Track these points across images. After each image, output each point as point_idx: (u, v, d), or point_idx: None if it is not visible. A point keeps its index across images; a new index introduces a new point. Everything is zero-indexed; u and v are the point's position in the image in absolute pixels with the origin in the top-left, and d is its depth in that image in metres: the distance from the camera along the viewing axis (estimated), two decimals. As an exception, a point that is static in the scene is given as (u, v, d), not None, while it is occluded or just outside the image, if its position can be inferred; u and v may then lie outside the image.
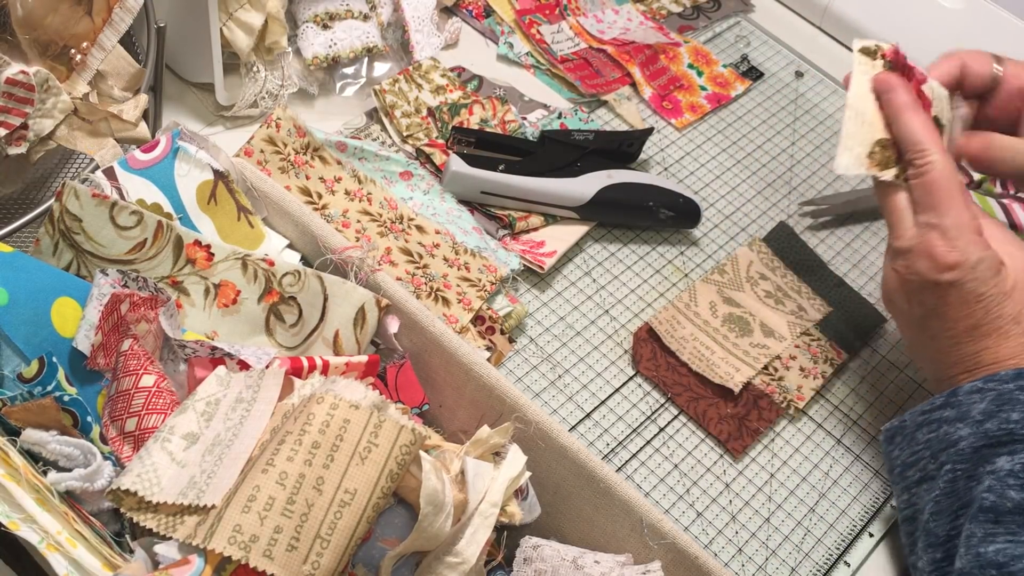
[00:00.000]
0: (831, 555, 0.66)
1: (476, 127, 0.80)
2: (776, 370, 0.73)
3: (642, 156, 0.84)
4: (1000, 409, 0.56)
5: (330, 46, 0.80)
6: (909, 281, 0.61)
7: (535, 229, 0.76)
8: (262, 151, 0.68)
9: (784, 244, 0.82)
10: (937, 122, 0.63)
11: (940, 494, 0.57)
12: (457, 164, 0.74)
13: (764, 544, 0.66)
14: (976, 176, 0.90)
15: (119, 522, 0.47)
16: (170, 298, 0.53)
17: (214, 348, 0.52)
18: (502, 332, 0.70)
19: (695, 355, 0.72)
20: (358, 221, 0.70)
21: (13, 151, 0.60)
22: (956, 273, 0.58)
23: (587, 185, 0.76)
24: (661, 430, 0.69)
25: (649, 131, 0.84)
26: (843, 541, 0.67)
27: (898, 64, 0.64)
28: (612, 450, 0.68)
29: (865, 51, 0.64)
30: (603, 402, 0.70)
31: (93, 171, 0.58)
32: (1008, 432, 0.55)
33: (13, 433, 0.46)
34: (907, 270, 0.60)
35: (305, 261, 0.62)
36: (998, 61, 0.66)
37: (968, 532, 0.54)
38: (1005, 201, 0.90)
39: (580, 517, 0.56)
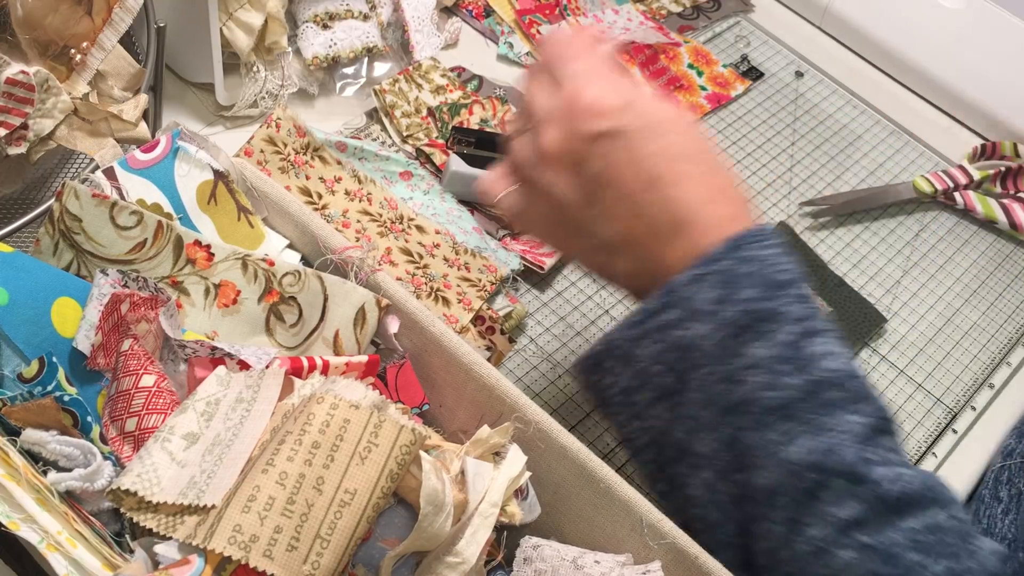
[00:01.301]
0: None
1: (476, 127, 0.80)
2: (776, 370, 0.73)
3: (642, 156, 0.84)
4: (730, 291, 0.47)
5: (330, 46, 0.80)
6: (563, 158, 0.49)
7: (535, 229, 0.76)
8: (262, 151, 0.68)
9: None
10: None
11: (694, 408, 0.48)
12: (457, 164, 0.74)
13: (764, 544, 0.65)
14: (976, 176, 0.90)
15: (119, 522, 0.47)
16: (170, 298, 0.53)
17: (214, 348, 0.52)
18: (502, 332, 0.70)
19: (695, 355, 0.72)
20: (358, 221, 0.70)
21: (13, 151, 0.60)
22: (611, 120, 0.47)
23: (587, 185, 0.76)
24: (661, 430, 0.69)
25: (649, 131, 0.84)
26: (843, 541, 0.66)
27: None
28: (612, 450, 0.68)
29: None
30: (603, 402, 0.70)
31: (93, 171, 0.58)
32: (749, 314, 0.46)
33: (13, 433, 0.46)
34: (556, 144, 0.49)
35: (305, 261, 0.62)
36: None
37: (759, 442, 0.46)
38: (1005, 201, 0.90)
39: (580, 517, 0.56)
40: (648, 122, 0.48)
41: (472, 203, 0.76)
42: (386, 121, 0.80)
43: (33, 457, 0.46)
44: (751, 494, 0.47)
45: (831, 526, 0.44)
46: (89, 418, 0.47)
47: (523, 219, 0.54)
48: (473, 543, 0.48)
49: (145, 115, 0.65)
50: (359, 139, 0.75)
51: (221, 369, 0.51)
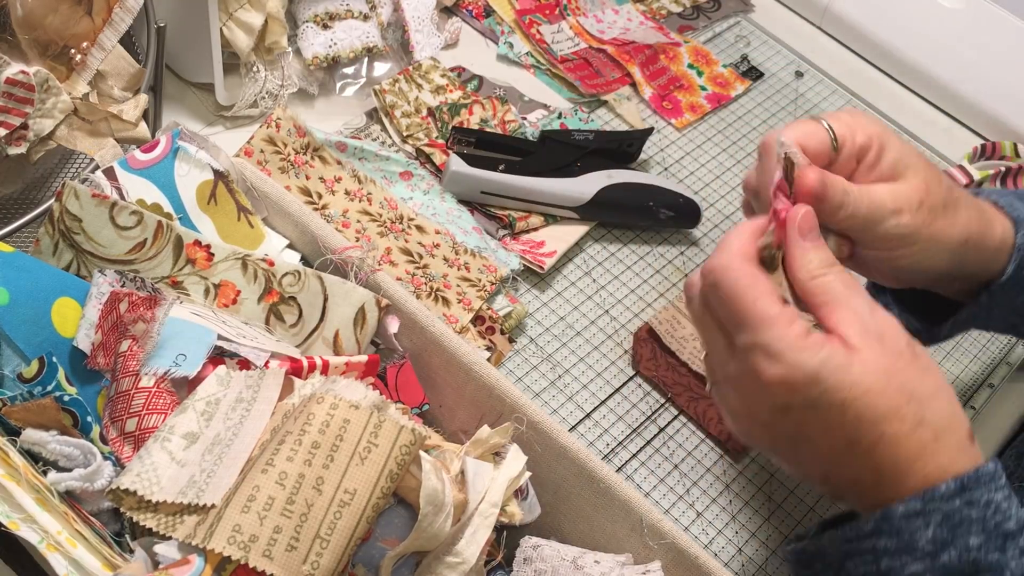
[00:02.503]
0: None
1: (476, 127, 0.80)
2: (776, 370, 0.73)
3: (642, 156, 0.84)
4: (955, 536, 0.44)
5: (330, 46, 0.80)
6: (751, 414, 0.48)
7: (535, 229, 0.76)
8: (262, 151, 0.68)
9: (784, 244, 0.82)
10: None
11: None
12: (457, 164, 0.74)
13: (764, 544, 0.65)
14: (976, 176, 0.90)
15: (119, 522, 0.47)
16: (175, 297, 0.53)
17: (215, 346, 0.52)
18: (502, 332, 0.70)
19: (695, 355, 0.72)
20: (358, 221, 0.70)
21: (13, 151, 0.60)
22: (798, 396, 0.45)
23: (587, 185, 0.76)
24: (661, 430, 0.69)
25: (649, 131, 0.84)
26: (843, 541, 0.66)
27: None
28: (612, 450, 0.68)
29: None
30: (603, 402, 0.70)
31: (93, 171, 0.58)
32: (972, 563, 0.44)
33: (13, 433, 0.46)
34: (743, 413, 0.48)
35: (305, 261, 0.62)
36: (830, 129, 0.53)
37: None
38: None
39: (580, 517, 0.56)
40: (839, 394, 0.45)
41: (472, 203, 0.76)
42: (386, 121, 0.80)
43: (33, 457, 0.46)
44: None
45: None
46: (89, 418, 0.47)
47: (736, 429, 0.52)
48: (473, 543, 0.48)
49: (145, 115, 0.65)
50: (359, 139, 0.75)
51: (221, 369, 0.51)
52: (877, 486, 0.46)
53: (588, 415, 0.69)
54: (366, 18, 0.83)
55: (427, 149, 0.77)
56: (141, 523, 0.45)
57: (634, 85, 0.91)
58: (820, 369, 0.44)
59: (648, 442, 0.69)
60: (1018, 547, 0.44)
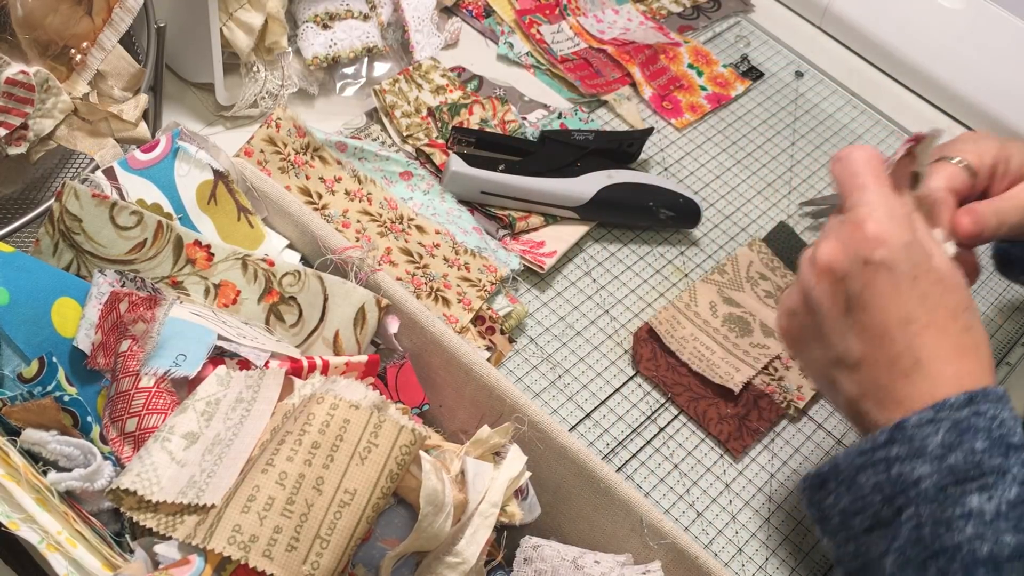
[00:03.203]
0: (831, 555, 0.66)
1: (476, 127, 0.80)
2: (776, 370, 0.73)
3: (642, 156, 0.84)
4: (962, 439, 0.48)
5: (330, 46, 0.80)
6: (835, 271, 0.53)
7: (535, 229, 0.76)
8: (262, 151, 0.68)
9: (784, 244, 0.82)
10: (918, 177, 0.58)
11: (904, 543, 0.49)
12: (457, 164, 0.74)
13: (764, 544, 0.66)
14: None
15: (119, 522, 0.47)
16: (175, 298, 0.53)
17: (215, 346, 0.52)
18: (502, 332, 0.70)
19: (695, 355, 0.72)
20: (358, 221, 0.70)
21: (13, 151, 0.60)
22: (886, 251, 0.51)
23: (587, 185, 0.76)
24: (661, 430, 0.69)
25: (649, 131, 0.84)
26: (843, 541, 0.67)
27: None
28: (612, 450, 0.68)
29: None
30: (603, 402, 0.70)
31: (93, 171, 0.58)
32: (976, 464, 0.48)
33: (13, 433, 0.46)
34: (832, 257, 0.53)
35: (305, 261, 0.62)
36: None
37: None
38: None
39: (580, 517, 0.56)
40: (920, 267, 0.51)
41: (472, 203, 0.76)
42: (386, 121, 0.80)
43: (33, 457, 0.46)
44: None
45: None
46: (89, 418, 0.47)
47: (780, 313, 0.58)
48: (473, 543, 0.48)
49: (145, 115, 0.65)
50: (359, 139, 0.75)
51: (221, 369, 0.51)
52: (907, 376, 0.51)
53: (588, 415, 0.69)
54: (366, 18, 0.83)
55: (427, 149, 0.77)
56: (141, 523, 0.45)
57: (634, 85, 0.91)
58: (911, 242, 0.52)
59: (648, 442, 0.69)
60: (1021, 458, 0.48)
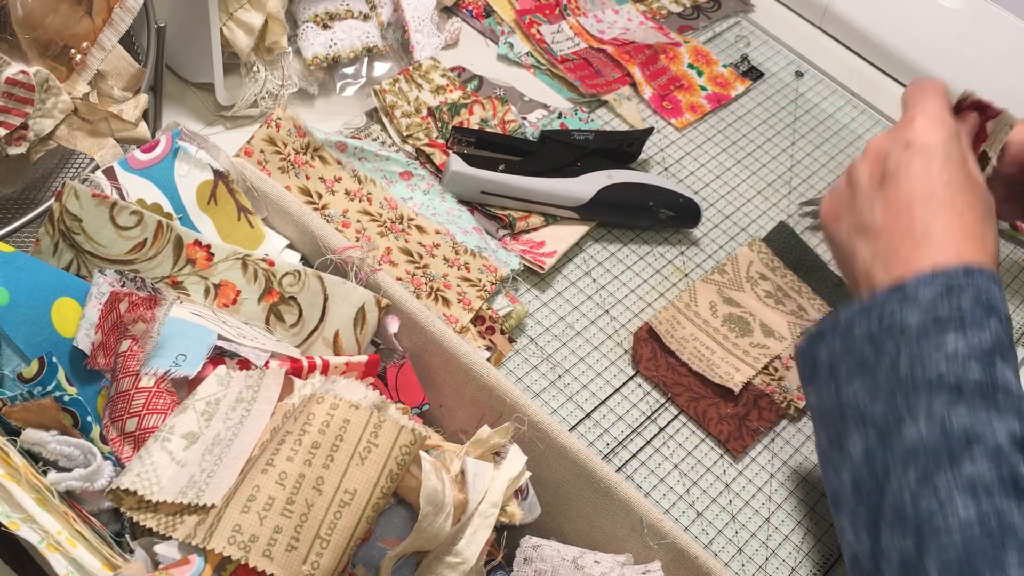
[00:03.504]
0: (831, 555, 0.66)
1: (476, 127, 0.80)
2: (776, 370, 0.73)
3: (642, 156, 0.84)
4: (950, 297, 0.53)
5: (330, 46, 0.80)
6: (879, 151, 0.61)
7: (535, 229, 0.76)
8: (262, 151, 0.68)
9: (784, 244, 0.82)
10: (985, 156, 0.65)
11: (879, 378, 0.54)
12: (457, 164, 0.74)
13: (764, 544, 0.66)
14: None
15: (119, 522, 0.47)
16: (175, 298, 0.53)
17: (215, 346, 0.52)
18: (502, 332, 0.70)
19: (695, 355, 0.72)
20: (358, 221, 0.70)
21: (13, 151, 0.60)
22: (927, 140, 0.58)
23: (587, 185, 0.76)
24: (661, 430, 0.69)
25: (649, 131, 0.84)
26: (843, 541, 0.67)
27: (972, 103, 0.67)
28: (612, 450, 0.68)
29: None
30: (603, 402, 0.70)
31: (93, 171, 0.58)
32: (959, 315, 0.53)
33: (13, 433, 0.46)
34: (880, 142, 0.61)
35: (305, 261, 0.62)
36: None
37: (925, 404, 0.51)
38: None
39: (580, 517, 0.56)
40: (953, 161, 0.58)
41: (472, 203, 0.76)
42: (386, 121, 0.80)
43: (33, 457, 0.46)
44: (903, 447, 0.52)
45: (960, 481, 0.49)
46: (89, 418, 0.47)
47: (826, 196, 0.65)
48: (473, 543, 0.48)
49: (145, 115, 0.65)
50: (359, 139, 0.75)
51: (221, 369, 0.51)
52: (916, 244, 0.56)
53: (588, 415, 0.69)
54: (366, 18, 0.83)
55: (427, 149, 0.77)
56: (141, 523, 0.45)
57: (634, 85, 0.91)
58: (952, 141, 0.59)
59: (648, 442, 0.69)
60: (1001, 321, 0.53)
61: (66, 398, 0.46)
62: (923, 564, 0.49)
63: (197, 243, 0.57)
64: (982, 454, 0.49)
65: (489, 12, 0.93)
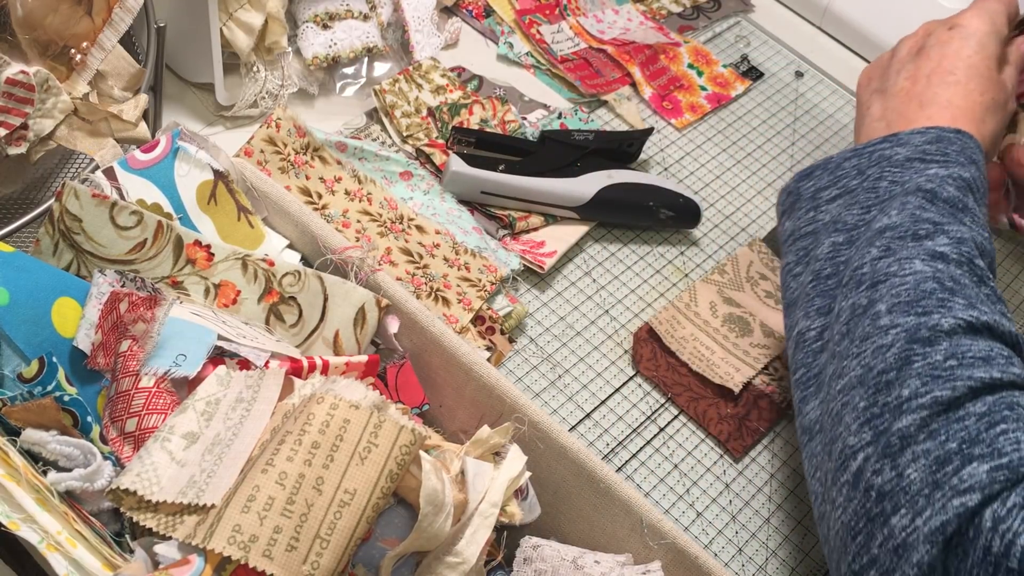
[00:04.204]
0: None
1: (476, 127, 0.80)
2: (776, 370, 0.73)
3: (642, 156, 0.84)
4: (936, 144, 0.58)
5: (330, 46, 0.80)
6: (927, 29, 0.66)
7: (535, 229, 0.76)
8: (262, 151, 0.68)
9: (784, 244, 0.82)
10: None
11: (858, 195, 0.58)
12: (457, 164, 0.74)
13: (764, 544, 0.66)
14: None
15: (119, 522, 0.47)
16: (175, 298, 0.53)
17: (215, 346, 0.52)
18: (502, 332, 0.70)
19: (695, 355, 0.72)
20: (358, 221, 0.70)
21: (13, 151, 0.60)
22: (969, 27, 0.63)
23: (587, 185, 0.76)
24: (661, 430, 0.69)
25: (649, 131, 0.84)
26: (843, 541, 0.67)
27: None
28: (612, 450, 0.68)
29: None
30: (603, 402, 0.70)
31: (93, 171, 0.58)
32: (944, 156, 0.57)
33: (13, 433, 0.46)
34: (931, 23, 0.67)
35: (305, 261, 0.62)
36: None
37: (899, 203, 0.56)
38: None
39: (580, 517, 0.56)
40: (985, 51, 0.62)
41: (472, 203, 0.76)
42: (386, 121, 0.80)
43: (33, 457, 0.46)
44: (872, 231, 0.56)
45: (921, 252, 0.53)
46: (89, 418, 0.47)
47: (871, 64, 0.70)
48: (473, 543, 0.48)
49: (145, 115, 0.65)
50: (359, 139, 0.75)
51: (221, 369, 0.51)
52: (921, 107, 0.61)
53: (588, 415, 0.69)
54: (366, 18, 0.83)
55: (427, 149, 0.77)
56: (141, 523, 0.45)
57: (634, 85, 0.91)
58: (992, 33, 0.63)
59: (648, 442, 0.69)
60: (980, 171, 0.58)
61: (66, 398, 0.46)
62: (873, 307, 0.52)
63: (197, 243, 0.57)
64: (945, 239, 0.53)
65: (489, 12, 0.93)
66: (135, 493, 0.45)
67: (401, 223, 0.72)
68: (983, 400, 0.47)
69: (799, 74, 0.99)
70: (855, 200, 0.59)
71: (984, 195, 0.59)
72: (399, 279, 0.68)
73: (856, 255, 0.56)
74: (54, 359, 0.46)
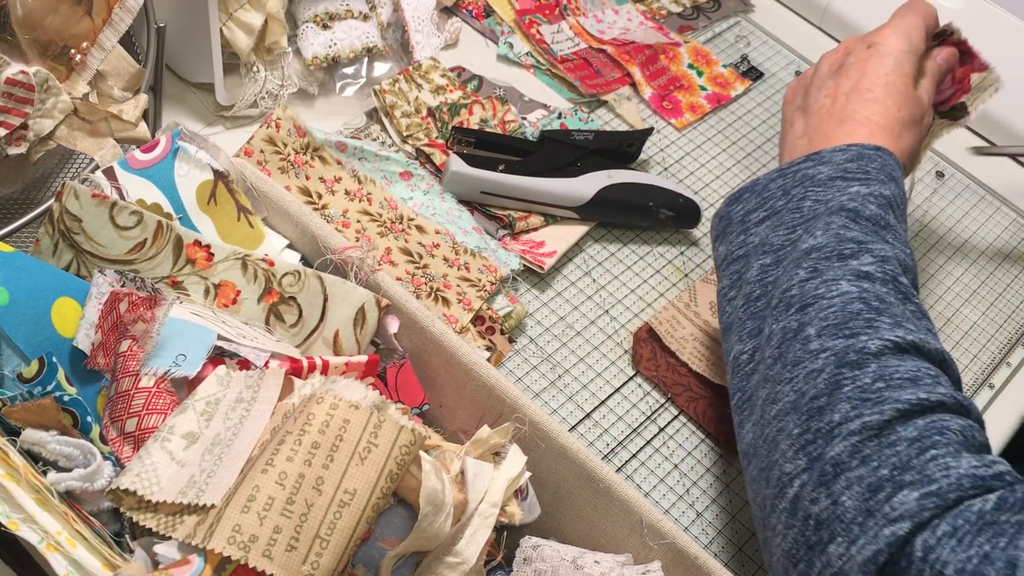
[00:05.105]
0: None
1: (476, 127, 0.80)
2: (776, 370, 0.73)
3: (642, 156, 0.84)
4: (858, 162, 0.59)
5: (330, 46, 0.80)
6: (847, 47, 0.67)
7: (535, 229, 0.76)
8: (262, 151, 0.68)
9: (784, 244, 0.82)
10: (963, 107, 0.72)
11: (784, 216, 0.59)
12: (457, 164, 0.74)
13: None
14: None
15: (119, 522, 0.47)
16: (175, 298, 0.53)
17: (215, 346, 0.52)
18: (502, 332, 0.70)
19: (695, 355, 0.72)
20: (358, 221, 0.70)
21: (13, 151, 0.60)
22: (887, 46, 0.64)
23: (587, 185, 0.76)
24: (661, 430, 0.69)
25: (649, 131, 0.84)
26: (843, 541, 0.66)
27: (955, 41, 0.71)
28: (612, 450, 0.68)
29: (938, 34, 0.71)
30: (603, 402, 0.70)
31: (93, 171, 0.58)
32: (865, 174, 0.59)
33: (13, 433, 0.46)
34: (851, 40, 0.68)
35: (305, 261, 0.62)
36: None
37: (823, 224, 0.56)
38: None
39: (580, 517, 0.56)
40: (902, 70, 0.64)
41: (472, 203, 0.76)
42: (386, 121, 0.80)
43: (33, 457, 0.46)
44: (797, 252, 0.57)
45: (847, 272, 0.54)
46: (89, 418, 0.47)
47: (794, 81, 0.72)
48: (473, 543, 0.48)
49: (145, 115, 0.65)
50: (359, 139, 0.75)
51: (221, 369, 0.51)
52: (841, 123, 0.63)
53: (588, 415, 0.69)
54: (366, 18, 0.83)
55: (427, 149, 0.77)
56: (141, 523, 0.45)
57: (634, 85, 0.91)
58: (909, 52, 0.64)
59: (648, 442, 0.69)
60: (900, 188, 0.60)
61: (66, 398, 0.46)
62: (803, 331, 0.53)
63: (197, 243, 0.57)
64: (870, 258, 0.54)
65: (489, 12, 0.93)
66: (135, 493, 0.45)
67: (401, 223, 0.72)
68: (914, 424, 0.47)
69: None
70: (781, 221, 0.59)
71: (903, 211, 0.61)
72: (399, 279, 0.68)
73: (784, 276, 0.56)
74: (54, 359, 0.46)
